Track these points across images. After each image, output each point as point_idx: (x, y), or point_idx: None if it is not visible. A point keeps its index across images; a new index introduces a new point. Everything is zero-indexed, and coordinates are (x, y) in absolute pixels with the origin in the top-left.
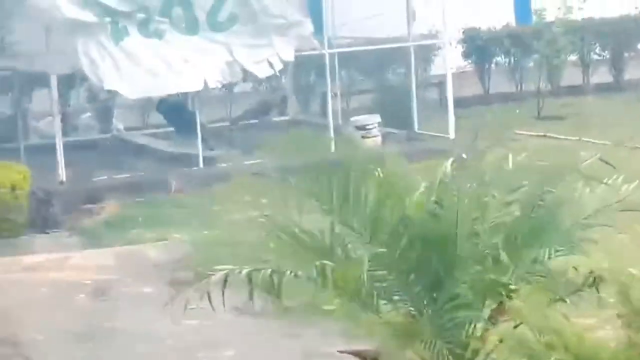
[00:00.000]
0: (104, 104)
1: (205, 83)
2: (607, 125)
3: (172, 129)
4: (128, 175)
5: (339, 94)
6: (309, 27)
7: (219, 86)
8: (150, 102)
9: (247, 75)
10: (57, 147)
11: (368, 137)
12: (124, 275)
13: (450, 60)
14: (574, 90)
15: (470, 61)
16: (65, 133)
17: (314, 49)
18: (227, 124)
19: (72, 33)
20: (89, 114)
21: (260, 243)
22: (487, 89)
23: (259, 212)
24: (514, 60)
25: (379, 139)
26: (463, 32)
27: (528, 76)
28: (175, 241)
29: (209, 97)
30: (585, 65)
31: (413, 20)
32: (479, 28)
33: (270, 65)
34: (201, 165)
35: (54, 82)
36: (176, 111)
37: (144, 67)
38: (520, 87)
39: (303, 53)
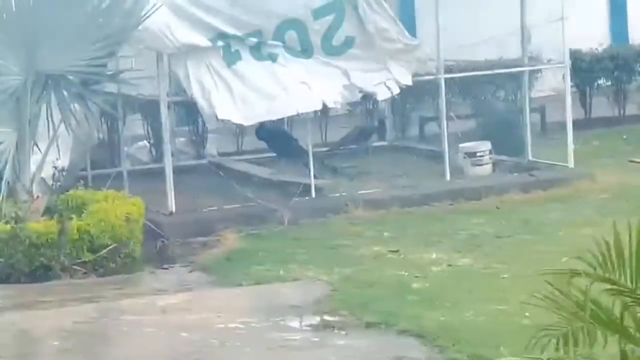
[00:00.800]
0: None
1: (324, 103)
2: None
3: (267, 155)
4: (238, 206)
5: (454, 117)
6: (425, 51)
7: (338, 106)
8: (244, 127)
9: (366, 96)
10: (167, 175)
11: (479, 165)
12: (264, 318)
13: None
14: None
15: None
16: (157, 159)
17: (429, 74)
18: (323, 149)
19: (183, 58)
20: (182, 138)
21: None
22: (588, 113)
23: (387, 248)
24: (616, 82)
25: (489, 167)
26: None
27: (631, 99)
28: (309, 280)
29: (302, 121)
30: None
31: (528, 43)
32: (581, 50)
33: (388, 88)
34: (313, 195)
35: (164, 108)
36: (278, 137)
37: (259, 91)
38: (624, 111)
39: (419, 78)
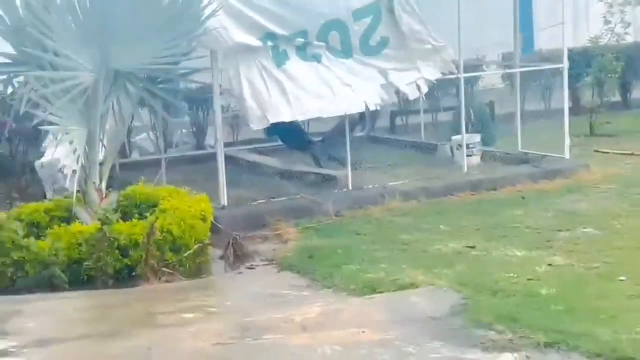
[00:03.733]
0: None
1: (366, 105)
2: None
3: (267, 145)
4: (284, 198)
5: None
6: (450, 52)
7: (379, 108)
8: (237, 118)
9: (400, 97)
10: (220, 168)
11: (469, 156)
12: (408, 333)
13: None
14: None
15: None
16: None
17: (452, 73)
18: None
19: (235, 57)
20: (184, 130)
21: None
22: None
23: (460, 244)
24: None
25: (478, 157)
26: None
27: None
28: (431, 287)
29: None
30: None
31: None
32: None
33: (418, 88)
34: (350, 187)
35: (217, 103)
36: (292, 131)
37: (308, 90)
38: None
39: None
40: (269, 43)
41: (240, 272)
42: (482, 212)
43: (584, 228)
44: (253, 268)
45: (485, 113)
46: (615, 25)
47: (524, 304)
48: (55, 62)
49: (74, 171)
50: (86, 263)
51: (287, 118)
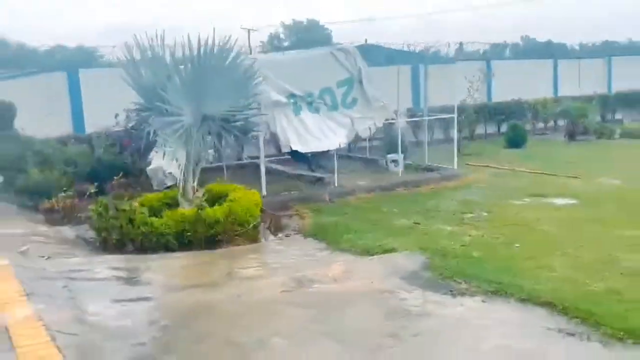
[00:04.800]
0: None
1: (339, 144)
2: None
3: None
4: (298, 192)
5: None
6: (391, 108)
7: (344, 146)
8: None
9: (358, 137)
10: (262, 171)
11: (397, 167)
12: (400, 283)
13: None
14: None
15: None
16: (216, 159)
17: (392, 119)
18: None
19: (272, 109)
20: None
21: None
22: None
23: (409, 221)
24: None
25: (402, 168)
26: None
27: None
28: (410, 251)
29: None
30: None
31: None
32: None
33: (369, 130)
34: (336, 184)
35: (262, 137)
36: (296, 151)
37: (312, 133)
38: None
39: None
40: (291, 100)
41: (281, 239)
42: (415, 201)
43: (480, 211)
44: (289, 236)
45: (403, 141)
46: (473, 93)
47: (466, 263)
48: (169, 109)
49: (173, 175)
50: (188, 233)
51: (299, 149)
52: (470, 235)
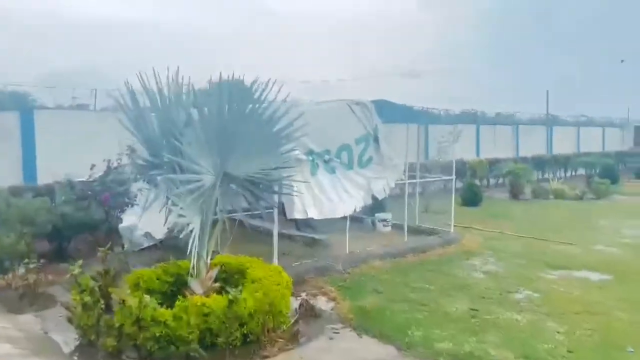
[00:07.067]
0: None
1: (355, 208)
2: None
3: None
4: (310, 261)
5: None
6: (403, 166)
7: (359, 209)
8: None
9: (374, 198)
10: (274, 240)
11: (386, 227)
12: None
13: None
14: None
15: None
16: None
17: (402, 180)
18: None
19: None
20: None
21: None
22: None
23: (463, 306)
24: None
25: (390, 227)
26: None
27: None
28: None
29: None
30: None
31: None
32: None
33: (384, 191)
34: (347, 250)
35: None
36: None
37: (327, 195)
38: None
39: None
40: (310, 158)
41: (331, 338)
42: (435, 271)
43: (522, 289)
44: (338, 332)
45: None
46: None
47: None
48: (184, 165)
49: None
50: (218, 338)
51: (315, 216)
52: (558, 332)
